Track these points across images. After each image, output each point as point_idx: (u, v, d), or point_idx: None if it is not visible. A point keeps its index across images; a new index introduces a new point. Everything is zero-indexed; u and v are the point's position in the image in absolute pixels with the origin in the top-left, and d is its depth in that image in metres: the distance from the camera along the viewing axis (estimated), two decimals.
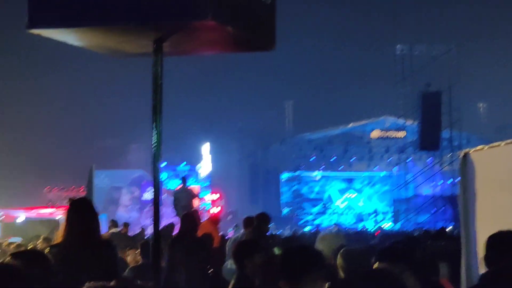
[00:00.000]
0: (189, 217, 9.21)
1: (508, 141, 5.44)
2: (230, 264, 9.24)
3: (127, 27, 3.09)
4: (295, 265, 3.44)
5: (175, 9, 2.93)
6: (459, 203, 6.23)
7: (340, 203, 49.97)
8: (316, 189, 50.36)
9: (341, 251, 5.12)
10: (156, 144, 3.37)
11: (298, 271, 3.41)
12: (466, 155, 6.14)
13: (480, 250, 5.86)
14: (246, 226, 10.56)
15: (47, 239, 10.31)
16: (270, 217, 10.38)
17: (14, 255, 3.81)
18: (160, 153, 3.38)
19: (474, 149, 6.15)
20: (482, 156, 6.00)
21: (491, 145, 5.95)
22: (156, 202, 3.45)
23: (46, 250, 5.34)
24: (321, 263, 3.61)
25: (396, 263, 5.17)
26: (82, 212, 5.35)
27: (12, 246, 11.72)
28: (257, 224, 9.94)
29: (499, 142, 5.69)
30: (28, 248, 11.32)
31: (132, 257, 9.08)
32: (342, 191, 50.41)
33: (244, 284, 5.55)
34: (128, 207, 38.66)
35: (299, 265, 3.44)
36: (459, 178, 6.28)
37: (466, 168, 6.10)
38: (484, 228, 5.88)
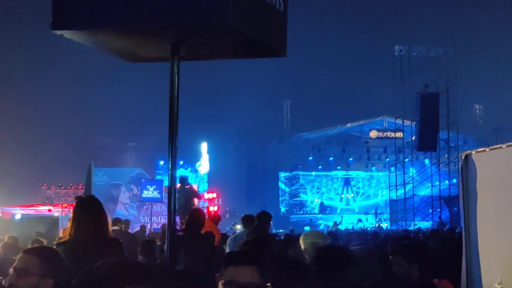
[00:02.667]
0: (197, 213, 9.20)
1: (510, 143, 5.55)
2: None
3: (147, 29, 3.18)
4: (331, 265, 3.50)
5: (196, 11, 3.02)
6: (460, 204, 6.33)
7: (337, 202, 50.13)
8: (314, 188, 50.52)
9: None
10: (171, 148, 3.46)
11: (334, 271, 3.47)
12: (467, 157, 6.24)
13: (482, 251, 5.98)
14: (247, 225, 10.58)
15: (38, 241, 10.35)
16: (271, 216, 10.42)
17: (29, 250, 3.80)
18: (176, 159, 3.47)
19: (475, 150, 6.25)
20: (483, 158, 6.09)
21: (492, 147, 6.06)
22: (171, 204, 3.55)
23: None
24: (355, 263, 3.69)
25: (409, 259, 5.35)
26: (90, 210, 5.39)
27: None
28: (258, 223, 9.98)
29: (501, 145, 5.79)
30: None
31: None
32: (340, 191, 50.60)
33: None
34: (127, 204, 38.73)
35: (335, 265, 3.49)
36: (460, 179, 6.37)
37: (467, 169, 6.20)
38: (486, 229, 5.99)
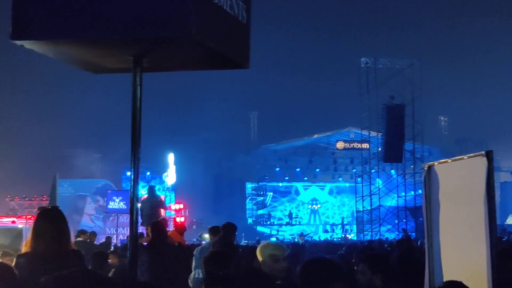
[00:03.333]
0: (158, 225, 9.29)
1: (471, 154, 5.60)
2: (197, 273, 9.32)
3: (109, 40, 3.17)
4: (317, 277, 3.52)
5: (158, 22, 3.02)
6: (423, 214, 6.39)
7: (304, 213, 50.23)
8: (281, 199, 50.58)
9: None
10: (134, 160, 3.44)
11: (320, 283, 3.49)
12: (430, 168, 6.29)
13: (444, 261, 6.04)
14: (212, 236, 10.64)
15: (6, 253, 10.20)
16: (236, 227, 10.48)
17: None
18: (138, 168, 3.46)
19: (438, 161, 6.31)
20: (446, 169, 6.15)
21: (454, 158, 6.11)
22: (133, 214, 3.52)
23: (13, 261, 5.30)
24: (342, 275, 3.72)
25: (373, 268, 5.41)
26: (52, 221, 5.31)
27: None
28: (223, 234, 10.02)
29: (463, 156, 5.85)
30: None
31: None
32: (307, 201, 50.72)
33: None
34: (93, 216, 38.39)
35: (321, 277, 3.52)
36: (423, 190, 6.43)
37: (430, 180, 6.25)
38: (447, 239, 6.05)
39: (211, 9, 3.21)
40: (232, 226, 10.17)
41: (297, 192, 50.73)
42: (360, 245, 18.08)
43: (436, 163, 6.28)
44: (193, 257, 9.84)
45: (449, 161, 6.17)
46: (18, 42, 3.23)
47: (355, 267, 6.36)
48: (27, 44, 3.27)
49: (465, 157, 5.75)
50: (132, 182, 3.48)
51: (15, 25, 3.19)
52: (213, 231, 10.76)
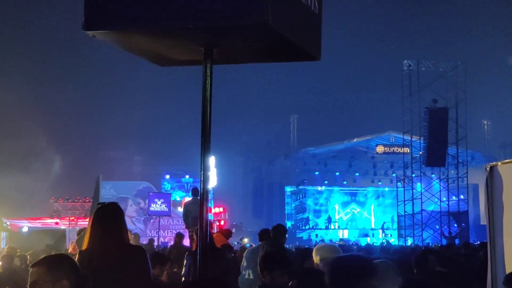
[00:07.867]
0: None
1: None
2: (248, 273, 9.27)
3: (181, 30, 3.09)
4: (347, 274, 3.46)
5: (234, 10, 2.92)
6: (485, 217, 6.21)
7: (344, 217, 49.87)
8: (320, 203, 50.31)
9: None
10: (204, 156, 3.37)
11: (350, 280, 3.43)
12: (493, 168, 6.13)
13: (508, 264, 5.86)
14: (262, 238, 10.56)
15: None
16: (286, 229, 10.42)
17: (35, 263, 3.70)
18: (208, 164, 3.39)
19: (501, 162, 6.14)
20: (509, 169, 5.98)
21: None
22: (203, 216, 3.43)
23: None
24: (372, 272, 3.63)
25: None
26: (111, 217, 5.26)
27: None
28: (274, 236, 9.95)
29: None
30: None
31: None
32: (346, 206, 50.36)
33: None
34: (134, 218, 38.60)
35: (351, 274, 3.45)
36: (485, 191, 6.26)
37: (493, 181, 6.08)
38: None
39: None
40: (283, 228, 10.14)
41: (336, 196, 50.40)
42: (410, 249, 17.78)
43: (499, 163, 6.12)
44: (244, 258, 9.78)
45: None
46: (90, 33, 3.18)
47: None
48: (99, 35, 3.22)
49: None
50: (201, 177, 3.39)
51: (88, 15, 3.14)
52: (263, 234, 10.72)
